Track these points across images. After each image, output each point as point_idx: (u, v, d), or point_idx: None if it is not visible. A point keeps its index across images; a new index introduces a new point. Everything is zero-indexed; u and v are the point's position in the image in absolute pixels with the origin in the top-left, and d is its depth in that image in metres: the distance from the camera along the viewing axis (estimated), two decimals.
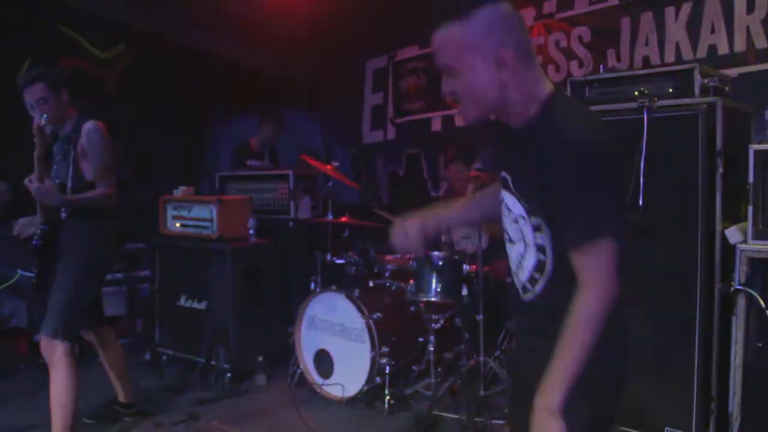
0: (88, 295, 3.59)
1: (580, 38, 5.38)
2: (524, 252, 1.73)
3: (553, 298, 1.66)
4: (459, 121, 6.37)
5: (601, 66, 3.61)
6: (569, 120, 1.60)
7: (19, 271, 3.79)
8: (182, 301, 5.07)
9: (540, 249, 1.67)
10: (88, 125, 3.56)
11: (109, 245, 3.73)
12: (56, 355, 3.37)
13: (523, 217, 1.70)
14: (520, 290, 1.79)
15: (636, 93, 3.18)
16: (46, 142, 3.44)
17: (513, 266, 1.82)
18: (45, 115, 3.37)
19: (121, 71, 6.87)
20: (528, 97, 1.65)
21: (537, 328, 1.75)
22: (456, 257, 4.36)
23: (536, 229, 1.66)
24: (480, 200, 2.12)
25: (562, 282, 1.61)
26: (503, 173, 1.80)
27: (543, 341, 1.62)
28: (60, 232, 3.55)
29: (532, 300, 1.74)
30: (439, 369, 4.33)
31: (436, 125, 6.74)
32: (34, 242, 3.51)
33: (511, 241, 1.81)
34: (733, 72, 4.26)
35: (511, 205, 1.76)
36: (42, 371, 3.59)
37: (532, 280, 1.72)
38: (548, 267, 1.67)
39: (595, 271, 1.54)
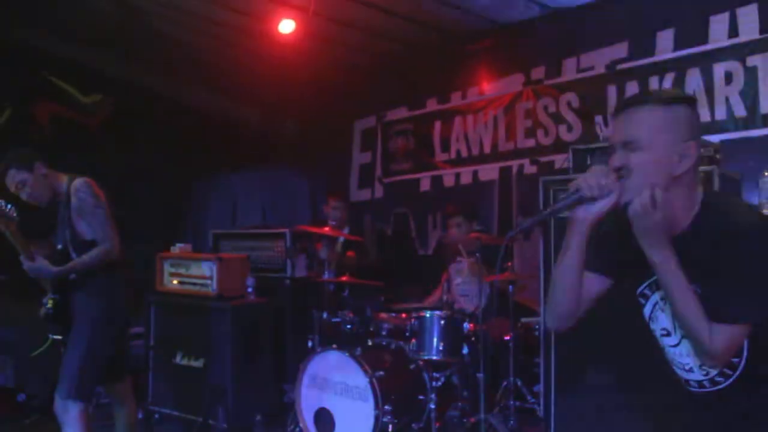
0: (104, 353, 3.58)
1: (568, 103, 5.60)
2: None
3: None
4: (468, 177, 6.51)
5: (600, 134, 3.80)
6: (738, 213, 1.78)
7: (51, 336, 3.77)
8: (178, 359, 5.05)
9: None
10: (75, 184, 3.58)
11: (122, 299, 3.72)
12: (70, 416, 3.36)
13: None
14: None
15: None
16: (8, 218, 3.36)
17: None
18: (9, 205, 3.34)
19: (103, 119, 6.91)
20: (690, 197, 1.81)
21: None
22: (456, 316, 4.46)
23: None
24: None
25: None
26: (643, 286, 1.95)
27: None
28: (72, 295, 3.58)
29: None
30: (439, 426, 4.37)
31: (425, 185, 6.89)
32: (47, 311, 3.53)
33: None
34: (714, 139, 4.51)
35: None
36: None
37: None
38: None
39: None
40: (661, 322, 1.95)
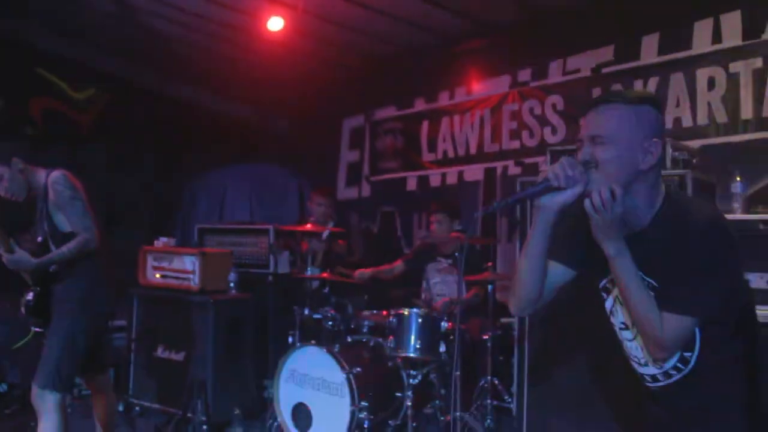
0: (83, 343, 3.58)
1: (554, 106, 5.64)
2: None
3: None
4: (447, 180, 6.59)
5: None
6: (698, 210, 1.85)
7: (33, 329, 3.79)
8: (159, 352, 5.08)
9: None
10: (52, 176, 3.59)
11: (102, 290, 3.72)
12: (46, 405, 3.36)
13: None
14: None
15: None
16: None
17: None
18: None
19: (95, 114, 6.94)
20: (652, 195, 1.88)
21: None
22: (434, 314, 4.48)
23: None
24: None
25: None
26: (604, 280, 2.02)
27: None
28: (52, 287, 3.60)
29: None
30: (415, 424, 4.40)
31: (412, 184, 6.93)
32: (27, 303, 3.56)
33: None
34: (695, 143, 4.55)
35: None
36: None
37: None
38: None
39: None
40: (620, 316, 2.00)
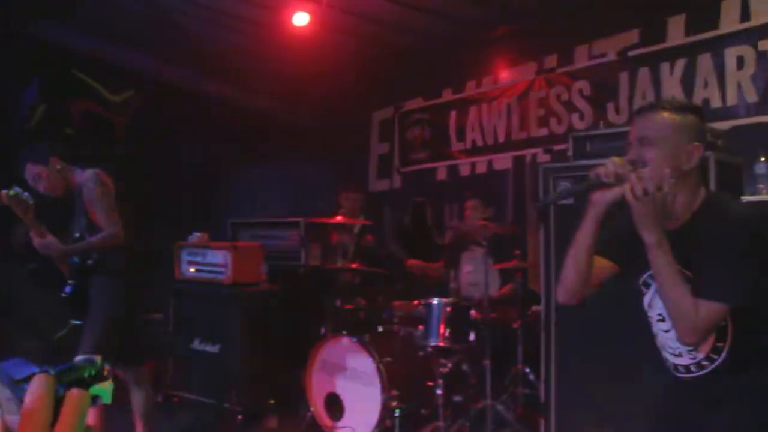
0: (118, 332, 3.73)
1: (580, 91, 5.58)
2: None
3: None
4: (468, 171, 6.61)
5: (601, 122, 3.80)
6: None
7: (72, 321, 3.95)
8: (196, 345, 5.20)
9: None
10: (85, 174, 3.79)
11: (136, 281, 3.94)
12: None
13: None
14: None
15: None
16: (25, 206, 3.53)
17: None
18: (15, 186, 3.51)
19: (130, 115, 7.10)
20: (691, 195, 2.01)
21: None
22: (463, 304, 4.51)
23: None
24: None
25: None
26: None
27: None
28: (90, 280, 3.75)
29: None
30: (448, 413, 4.44)
31: (442, 174, 6.95)
32: (66, 296, 3.72)
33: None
34: (725, 125, 4.48)
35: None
36: None
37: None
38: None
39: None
40: (658, 308, 2.08)
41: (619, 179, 1.95)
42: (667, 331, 2.07)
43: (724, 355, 1.95)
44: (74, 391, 0.75)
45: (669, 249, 1.92)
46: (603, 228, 2.07)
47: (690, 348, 1.99)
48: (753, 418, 1.95)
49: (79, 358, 0.81)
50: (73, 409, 0.74)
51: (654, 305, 2.10)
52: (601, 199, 2.02)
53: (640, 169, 1.95)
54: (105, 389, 0.80)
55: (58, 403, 0.75)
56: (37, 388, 0.73)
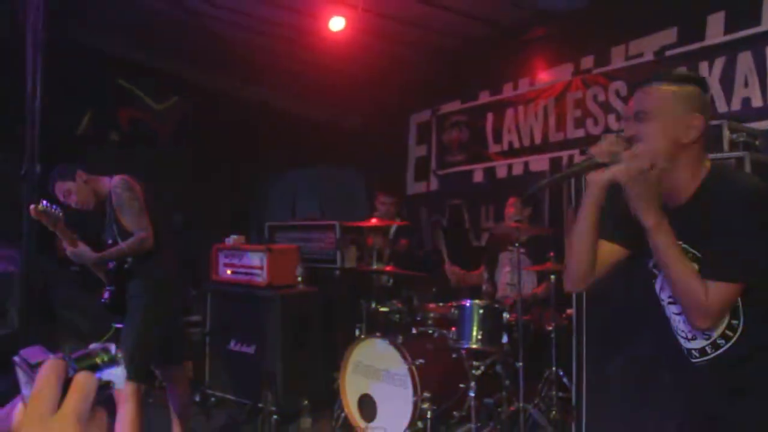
0: (156, 333, 3.82)
1: (617, 92, 5.52)
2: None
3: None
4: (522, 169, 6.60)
5: None
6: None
7: (114, 325, 4.07)
8: (232, 345, 5.29)
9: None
10: (113, 181, 3.86)
11: (172, 285, 4.00)
12: (122, 395, 3.59)
13: None
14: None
15: None
16: (54, 218, 3.61)
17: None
18: (43, 201, 3.55)
19: (174, 123, 7.26)
20: (695, 168, 1.90)
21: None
22: (496, 305, 4.50)
23: None
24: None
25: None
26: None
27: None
28: (127, 285, 3.85)
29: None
30: (480, 415, 4.42)
31: (478, 177, 6.93)
32: (105, 300, 3.84)
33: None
34: (767, 124, 4.37)
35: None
36: None
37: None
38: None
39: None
40: (668, 290, 2.00)
41: (614, 157, 1.85)
42: (678, 314, 1.98)
43: (739, 332, 1.85)
44: (80, 374, 0.78)
45: (670, 230, 1.82)
46: (608, 209, 1.96)
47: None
48: None
49: (93, 345, 0.84)
50: (77, 391, 0.77)
51: (666, 287, 2.01)
52: (597, 180, 1.91)
53: (635, 146, 1.85)
54: (117, 374, 0.83)
55: (67, 386, 0.78)
56: (46, 370, 0.77)
